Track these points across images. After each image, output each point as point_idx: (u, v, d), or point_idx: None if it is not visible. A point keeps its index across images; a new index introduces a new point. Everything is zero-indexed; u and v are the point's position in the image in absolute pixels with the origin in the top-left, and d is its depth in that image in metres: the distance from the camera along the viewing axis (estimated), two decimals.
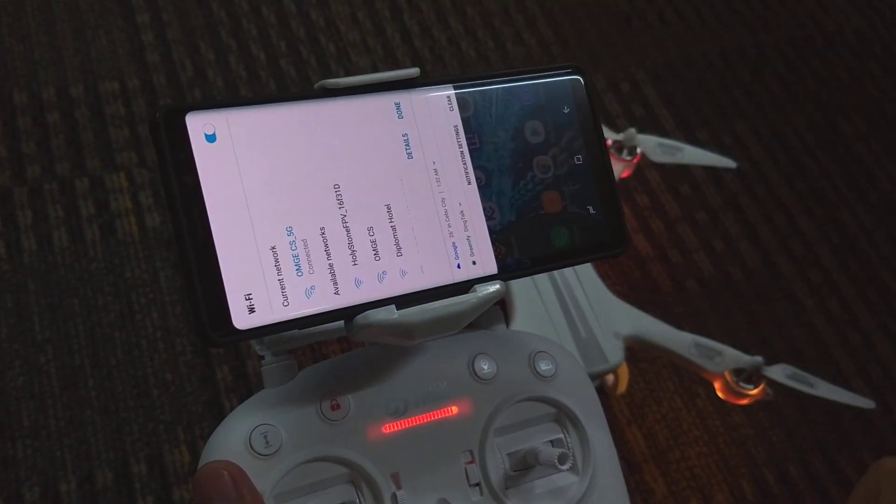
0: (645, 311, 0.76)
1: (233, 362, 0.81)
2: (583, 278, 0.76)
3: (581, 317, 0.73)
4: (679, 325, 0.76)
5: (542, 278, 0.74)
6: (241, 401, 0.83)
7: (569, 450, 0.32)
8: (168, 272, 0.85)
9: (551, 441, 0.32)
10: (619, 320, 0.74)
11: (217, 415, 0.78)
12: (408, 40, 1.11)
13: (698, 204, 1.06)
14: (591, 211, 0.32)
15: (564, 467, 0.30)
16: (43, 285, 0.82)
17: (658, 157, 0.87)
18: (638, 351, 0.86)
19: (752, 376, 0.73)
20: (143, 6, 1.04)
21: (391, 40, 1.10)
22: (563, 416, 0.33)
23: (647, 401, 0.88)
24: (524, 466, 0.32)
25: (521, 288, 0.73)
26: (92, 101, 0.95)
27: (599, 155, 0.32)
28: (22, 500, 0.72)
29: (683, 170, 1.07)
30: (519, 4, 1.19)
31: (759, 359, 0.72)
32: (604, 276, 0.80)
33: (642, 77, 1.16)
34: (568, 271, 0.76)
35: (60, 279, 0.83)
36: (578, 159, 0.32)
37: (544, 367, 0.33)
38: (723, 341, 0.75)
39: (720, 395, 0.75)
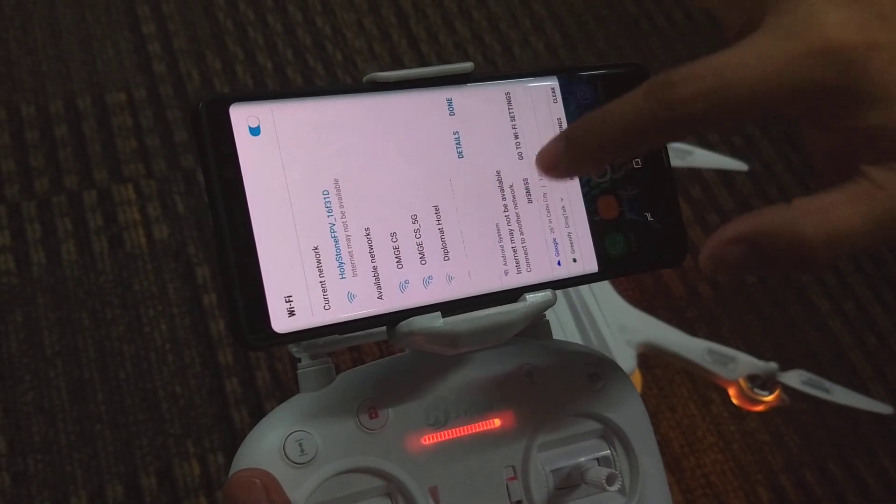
0: (657, 316, 0.76)
1: (242, 374, 0.81)
2: (594, 284, 0.75)
3: (592, 324, 0.72)
4: (692, 330, 0.75)
5: None
6: (250, 413, 0.83)
7: (617, 469, 0.31)
8: (177, 284, 0.85)
9: (597, 459, 0.31)
10: (630, 327, 0.73)
11: (227, 427, 0.78)
12: (414, 46, 1.10)
13: (710, 206, 1.05)
14: (650, 217, 0.30)
15: (613, 488, 0.29)
16: (52, 299, 0.82)
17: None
18: (651, 357, 0.86)
19: (766, 382, 0.72)
20: (149, 16, 1.04)
21: (398, 46, 1.10)
22: (611, 433, 0.31)
23: (661, 407, 0.87)
24: (569, 484, 0.30)
25: None
26: (99, 112, 0.95)
27: (660, 158, 0.31)
28: None
29: (694, 172, 1.06)
30: (526, 8, 1.18)
31: (773, 365, 0.71)
32: (615, 282, 0.79)
33: None
34: None
35: (69, 293, 0.83)
36: (637, 163, 0.31)
37: (592, 380, 0.31)
38: (736, 346, 0.74)
39: (735, 401, 0.74)
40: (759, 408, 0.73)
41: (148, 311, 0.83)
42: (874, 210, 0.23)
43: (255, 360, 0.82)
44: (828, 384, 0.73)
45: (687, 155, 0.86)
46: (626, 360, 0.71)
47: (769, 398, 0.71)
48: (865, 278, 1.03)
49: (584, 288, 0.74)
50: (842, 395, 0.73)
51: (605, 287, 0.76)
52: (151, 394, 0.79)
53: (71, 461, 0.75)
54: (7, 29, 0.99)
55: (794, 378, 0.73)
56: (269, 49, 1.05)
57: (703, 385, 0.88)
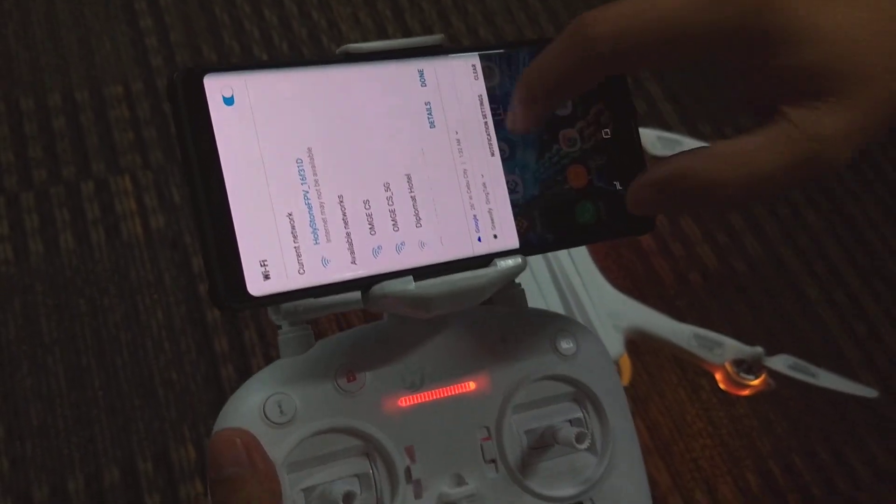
0: (647, 305, 0.76)
1: (237, 361, 0.82)
2: (581, 269, 0.76)
3: (580, 308, 0.73)
4: (682, 319, 0.76)
5: (539, 269, 0.74)
6: None
7: (588, 429, 0.32)
8: (173, 272, 0.86)
9: (570, 420, 0.32)
10: (617, 312, 0.74)
11: None
12: None
13: None
14: (618, 186, 0.31)
15: (582, 446, 0.30)
16: (50, 287, 0.83)
17: (658, 150, 0.87)
18: (640, 344, 0.87)
19: (752, 367, 0.73)
20: (146, 11, 1.05)
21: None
22: (583, 396, 0.32)
23: (650, 393, 0.88)
24: (542, 445, 0.31)
25: (518, 278, 0.73)
26: (97, 105, 0.96)
27: (629, 129, 0.31)
28: (31, 499, 0.73)
29: None
30: (520, 1, 1.19)
31: (759, 349, 0.72)
32: (605, 270, 0.80)
33: (644, 72, 1.15)
34: (566, 262, 0.76)
35: (67, 281, 0.84)
36: (606, 133, 0.31)
37: (565, 345, 0.32)
38: (728, 335, 0.74)
39: (721, 386, 0.75)
40: (746, 392, 0.73)
41: (144, 299, 0.84)
42: (793, 151, 0.24)
43: (250, 348, 0.83)
44: (813, 368, 0.74)
45: (676, 145, 0.87)
46: (614, 344, 0.72)
47: (755, 382, 0.72)
48: (856, 269, 1.04)
49: (572, 273, 0.75)
50: (827, 380, 0.74)
51: (593, 273, 0.77)
52: (148, 380, 0.80)
53: (68, 445, 0.76)
54: (6, 24, 1.00)
55: (781, 363, 0.74)
56: (264, 42, 1.06)
57: (693, 371, 0.89)
